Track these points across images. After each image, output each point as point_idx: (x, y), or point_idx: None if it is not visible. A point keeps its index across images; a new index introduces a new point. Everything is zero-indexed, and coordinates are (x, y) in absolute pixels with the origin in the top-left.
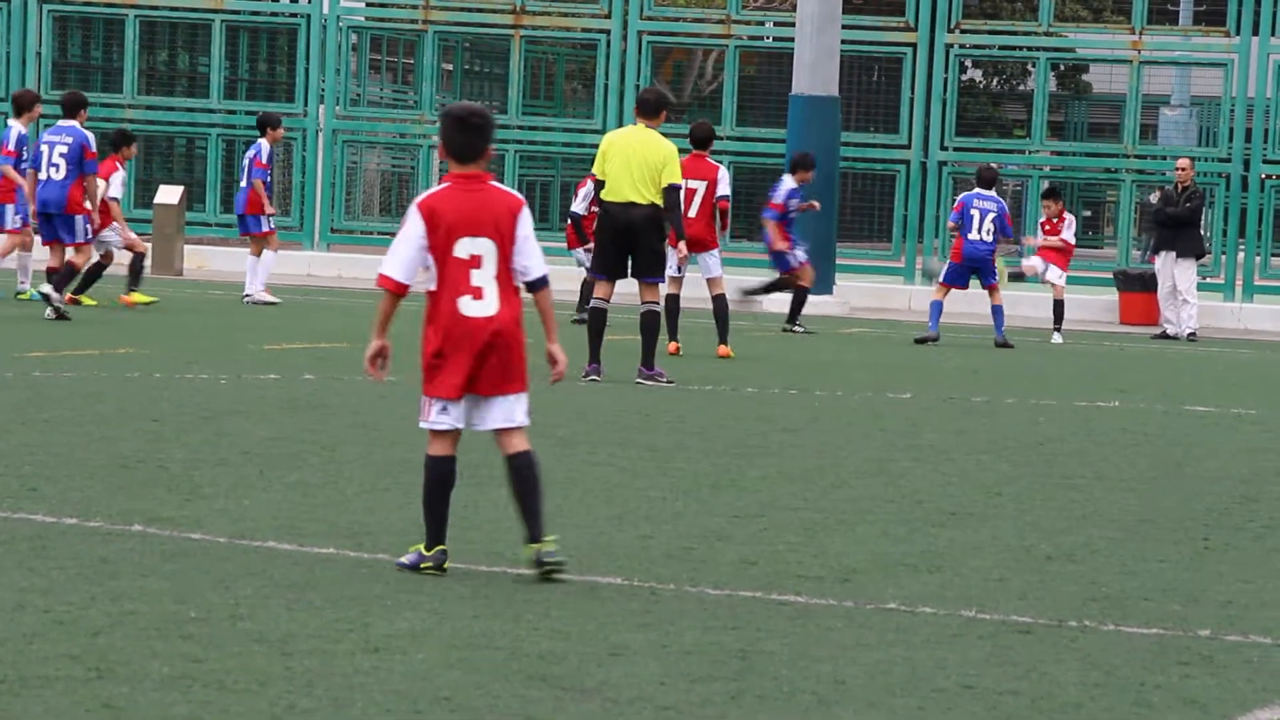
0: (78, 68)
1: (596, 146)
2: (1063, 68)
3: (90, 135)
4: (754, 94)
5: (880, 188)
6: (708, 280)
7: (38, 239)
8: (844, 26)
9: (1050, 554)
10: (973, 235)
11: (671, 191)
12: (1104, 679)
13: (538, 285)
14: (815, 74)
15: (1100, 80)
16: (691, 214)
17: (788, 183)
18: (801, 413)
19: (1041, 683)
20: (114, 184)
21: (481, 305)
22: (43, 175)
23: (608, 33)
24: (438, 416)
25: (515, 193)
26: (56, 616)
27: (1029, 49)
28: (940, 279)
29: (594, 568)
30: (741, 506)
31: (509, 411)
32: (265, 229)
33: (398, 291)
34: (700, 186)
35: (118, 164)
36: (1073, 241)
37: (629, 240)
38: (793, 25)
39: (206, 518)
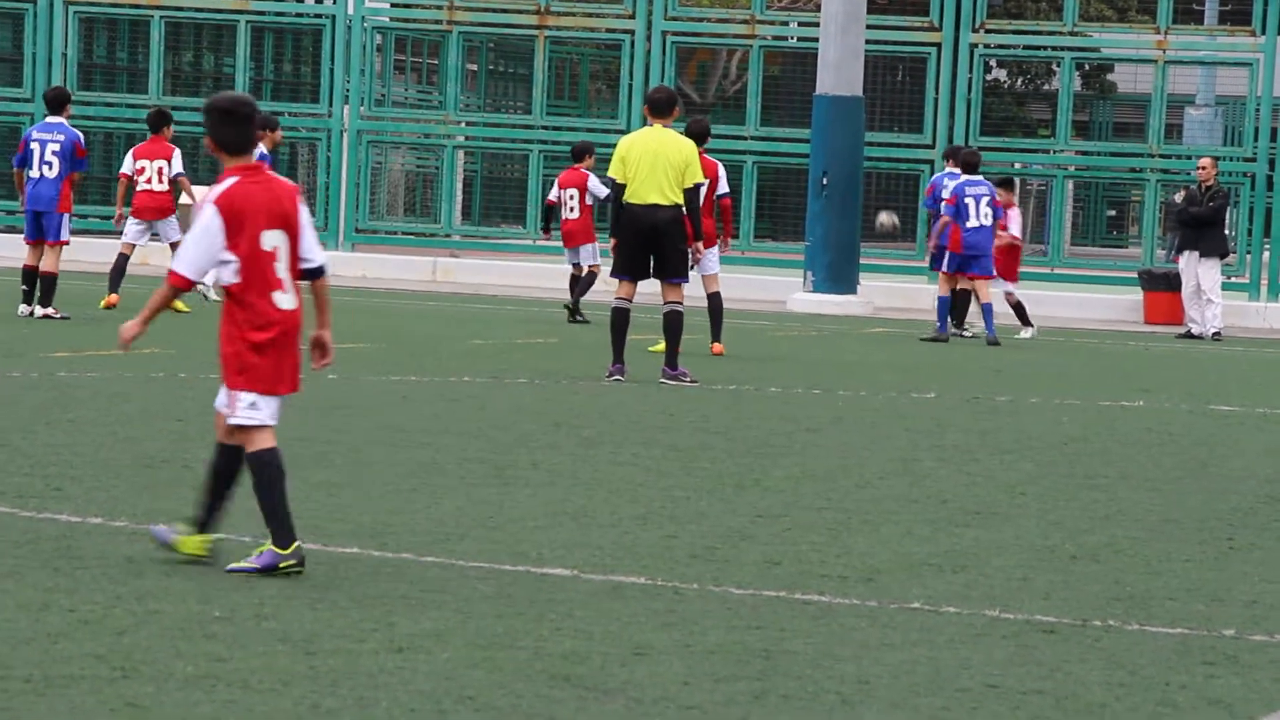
0: (103, 69)
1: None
2: (1087, 67)
3: (80, 133)
4: (778, 94)
5: (904, 187)
6: (704, 277)
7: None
8: (868, 26)
9: (1074, 553)
10: (971, 223)
11: (695, 191)
12: (1128, 679)
13: (321, 272)
14: (840, 74)
15: (1125, 80)
16: None
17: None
18: (825, 412)
19: (1066, 682)
20: (177, 162)
21: (287, 298)
22: (35, 173)
23: (632, 33)
24: (249, 412)
25: (288, 181)
26: (82, 616)
27: (1053, 49)
28: (940, 266)
29: (618, 567)
30: (765, 506)
31: (281, 406)
32: None
33: (185, 288)
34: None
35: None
36: (1019, 237)
37: (654, 242)
38: (817, 25)
39: (231, 518)
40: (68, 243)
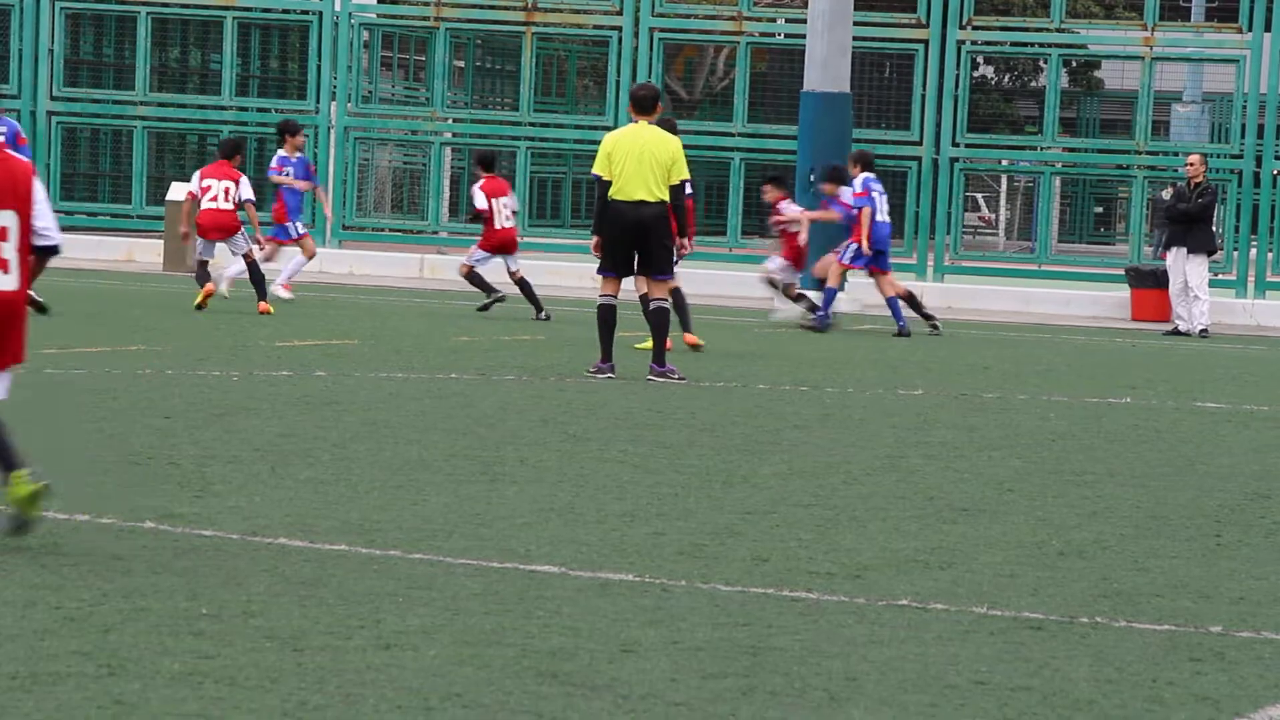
0: (90, 65)
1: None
2: (1075, 64)
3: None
4: (765, 91)
5: (892, 184)
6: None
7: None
8: (855, 23)
9: (1062, 550)
10: (880, 218)
11: (681, 187)
12: (1116, 675)
13: (55, 251)
14: (827, 70)
15: (1112, 76)
16: None
17: None
18: (813, 409)
19: (1053, 679)
20: (245, 187)
21: (8, 279)
22: None
23: (619, 29)
24: None
25: (23, 158)
26: (68, 613)
27: (1041, 45)
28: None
29: (606, 564)
30: (753, 503)
31: (4, 386)
32: (289, 236)
33: None
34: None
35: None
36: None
37: (640, 238)
38: (804, 22)
39: (218, 514)
40: None
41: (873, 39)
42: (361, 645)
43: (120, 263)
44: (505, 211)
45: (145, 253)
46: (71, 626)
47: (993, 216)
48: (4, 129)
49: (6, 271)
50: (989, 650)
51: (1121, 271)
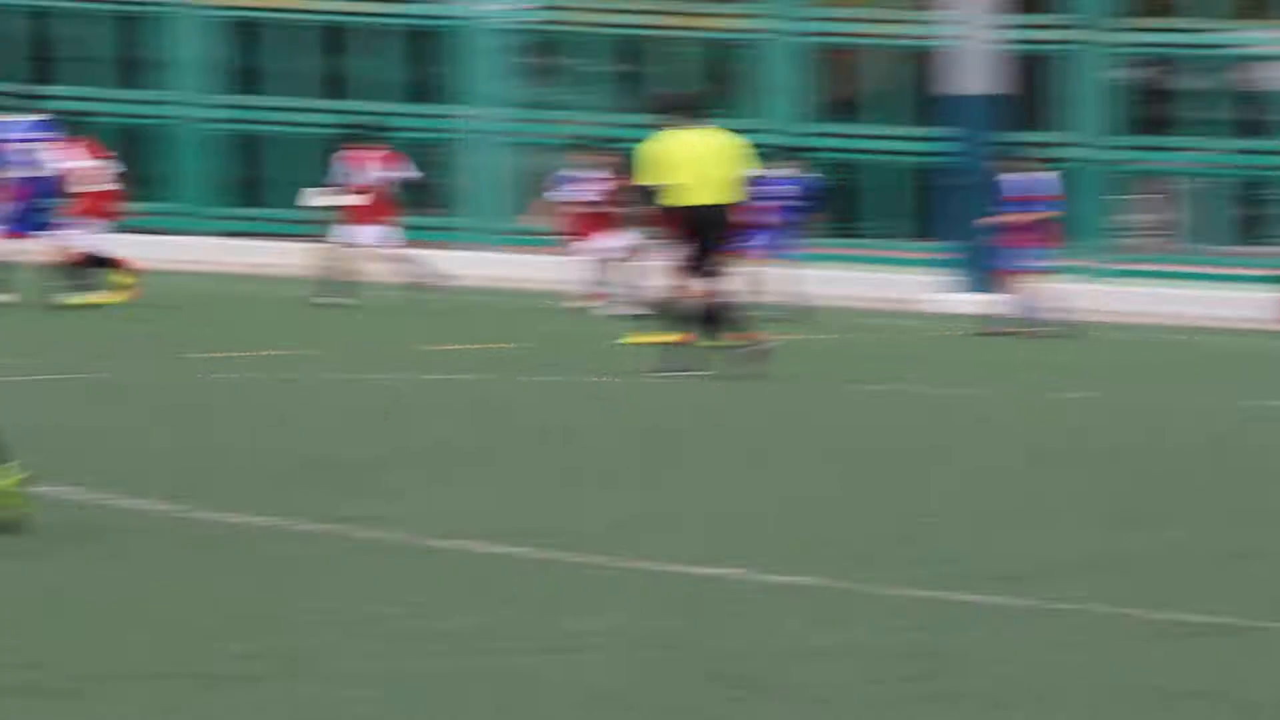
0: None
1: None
2: (1232, 65)
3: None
4: (914, 95)
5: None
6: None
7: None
8: (1007, 25)
9: (1242, 553)
10: None
11: (744, 183)
12: None
13: None
14: (977, 73)
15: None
16: None
17: None
18: (969, 414)
19: (1232, 685)
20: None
21: None
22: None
23: (764, 32)
24: None
25: None
26: (241, 613)
27: (1197, 46)
28: None
29: (784, 567)
30: (928, 506)
31: None
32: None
33: None
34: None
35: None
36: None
37: (710, 236)
38: (954, 25)
39: (392, 517)
40: None
41: (1026, 40)
42: (540, 648)
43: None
44: None
45: (295, 257)
46: (248, 625)
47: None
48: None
49: None
50: (1164, 654)
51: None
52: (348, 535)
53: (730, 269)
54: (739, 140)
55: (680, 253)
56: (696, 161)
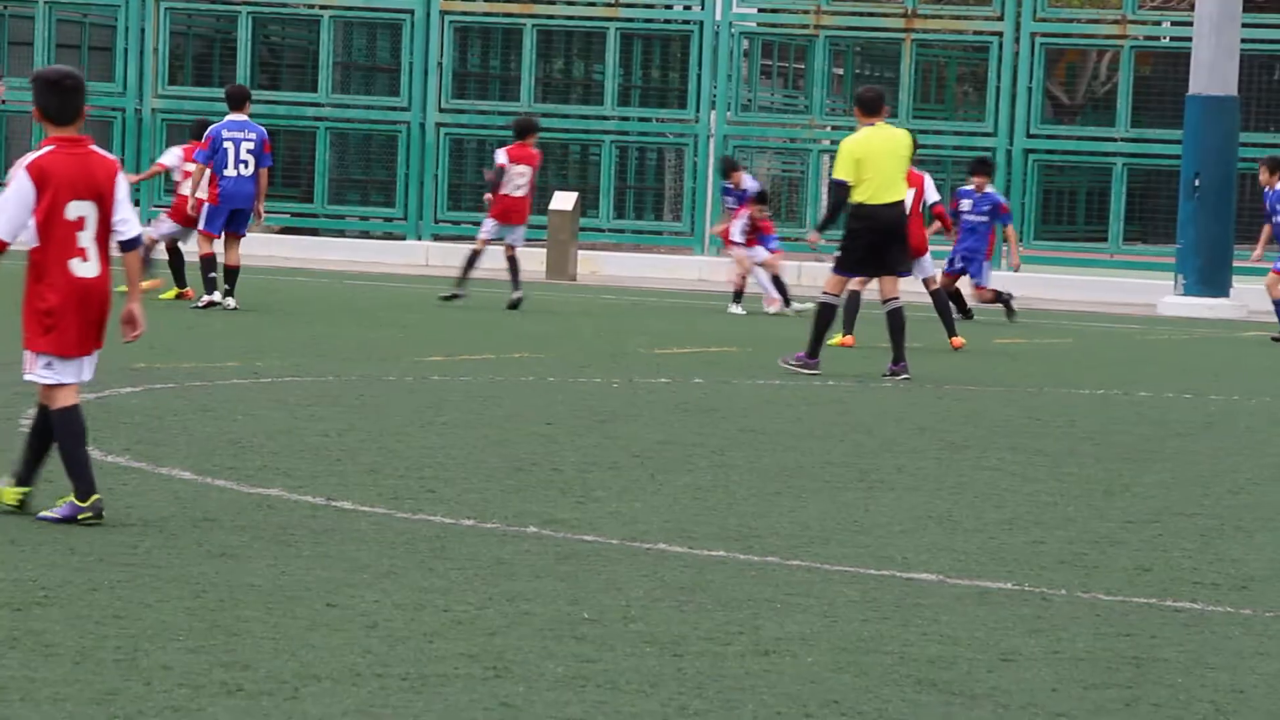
0: (477, 77)
1: (986, 149)
2: None
3: (265, 130)
4: (1149, 95)
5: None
6: (925, 279)
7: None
8: (1244, 25)
9: None
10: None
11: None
12: None
13: (132, 244)
14: (1214, 73)
15: None
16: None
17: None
18: (1197, 417)
19: None
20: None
21: (88, 266)
22: (231, 172)
23: (1000, 35)
24: (44, 371)
25: (111, 155)
26: (455, 616)
27: None
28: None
29: (984, 572)
30: (1135, 512)
31: (94, 366)
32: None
33: (2, 249)
34: (910, 193)
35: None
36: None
37: (890, 238)
38: (1190, 24)
39: (599, 520)
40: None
41: (1262, 41)
42: (740, 651)
43: (501, 271)
44: (520, 180)
45: (528, 261)
46: (458, 629)
47: None
48: (254, 135)
49: (85, 260)
50: None
51: None
52: (555, 538)
53: (910, 271)
54: (912, 139)
55: (856, 253)
56: (879, 159)
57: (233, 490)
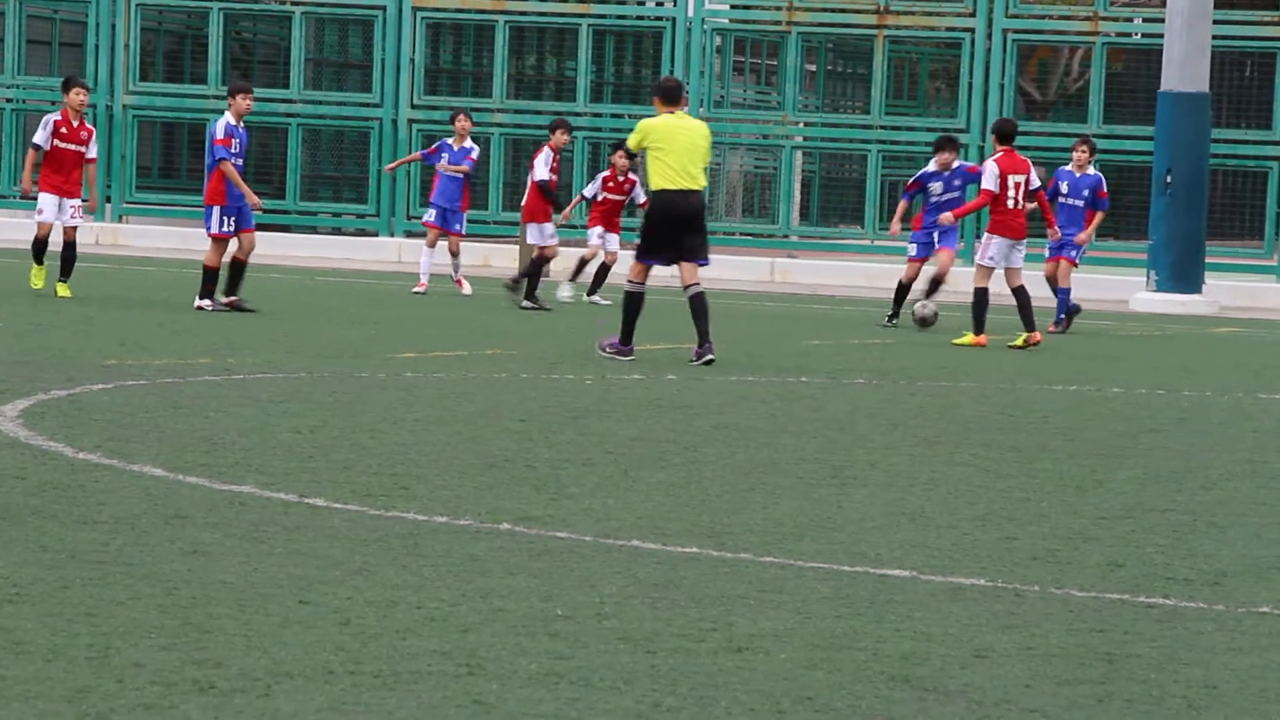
0: (449, 73)
1: (959, 145)
2: None
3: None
4: (1121, 91)
5: (1252, 185)
6: (1008, 270)
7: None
8: (1215, 21)
9: None
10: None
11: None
12: None
13: None
14: (1186, 70)
15: None
16: (1017, 206)
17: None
18: (1170, 413)
19: None
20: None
21: None
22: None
23: (972, 31)
24: None
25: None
26: (428, 613)
27: None
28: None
29: (957, 569)
30: (1108, 508)
31: None
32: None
33: None
34: (1022, 180)
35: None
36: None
37: (688, 225)
38: (1162, 21)
39: (572, 517)
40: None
41: (1233, 37)
42: (713, 648)
43: (477, 267)
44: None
45: (502, 258)
46: (431, 626)
47: None
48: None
49: None
50: None
51: None
52: (528, 535)
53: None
54: (709, 131)
55: (655, 239)
56: (677, 147)
57: (205, 487)
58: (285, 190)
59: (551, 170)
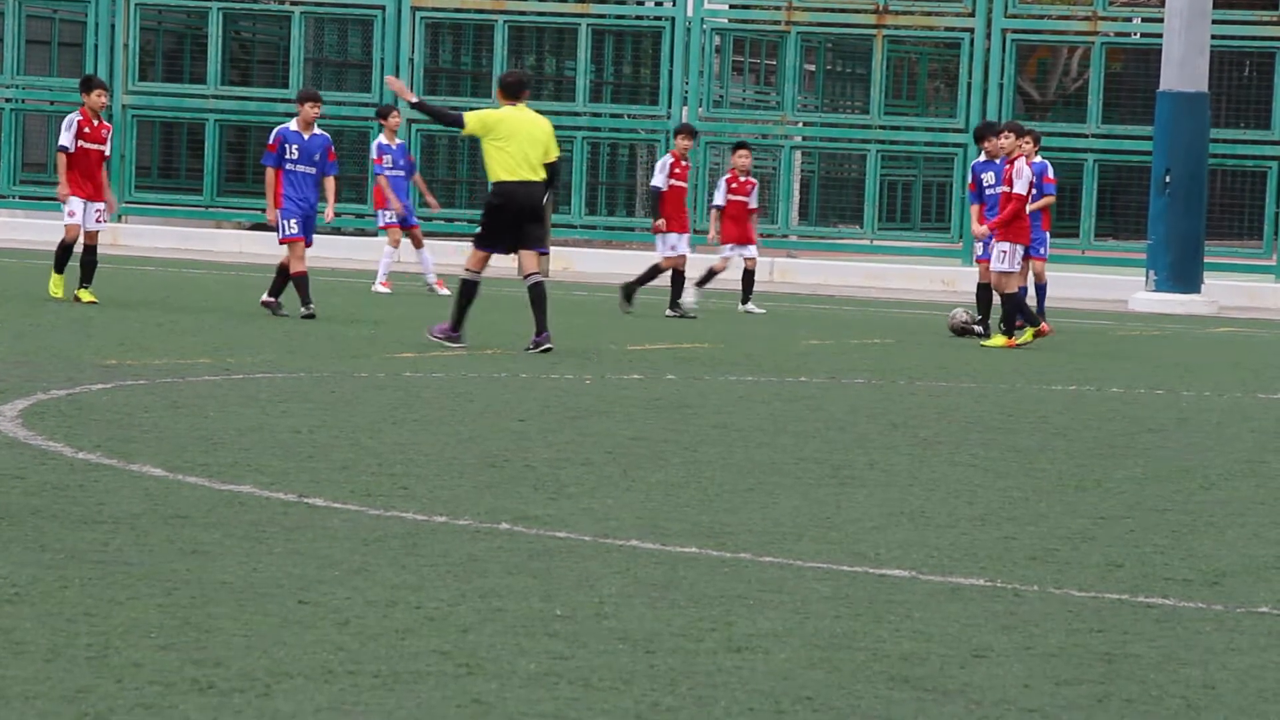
0: (448, 73)
1: (959, 145)
2: None
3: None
4: (1120, 91)
5: (1251, 185)
6: (1034, 261)
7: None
8: (1214, 21)
9: None
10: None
11: (556, 166)
12: None
13: None
14: (1184, 70)
15: None
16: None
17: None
18: (1169, 413)
19: None
20: None
21: None
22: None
23: (971, 31)
24: None
25: None
26: (427, 613)
27: None
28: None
29: (957, 569)
30: (1107, 508)
31: None
32: (381, 223)
33: None
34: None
35: None
36: (754, 205)
37: (532, 217)
38: (1161, 21)
39: (571, 516)
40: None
41: (1232, 37)
42: (712, 648)
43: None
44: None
45: (501, 257)
46: (431, 626)
47: None
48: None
49: None
50: None
51: None
52: (527, 534)
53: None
54: (550, 127)
55: (494, 229)
56: (517, 138)
57: (204, 487)
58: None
59: (675, 177)
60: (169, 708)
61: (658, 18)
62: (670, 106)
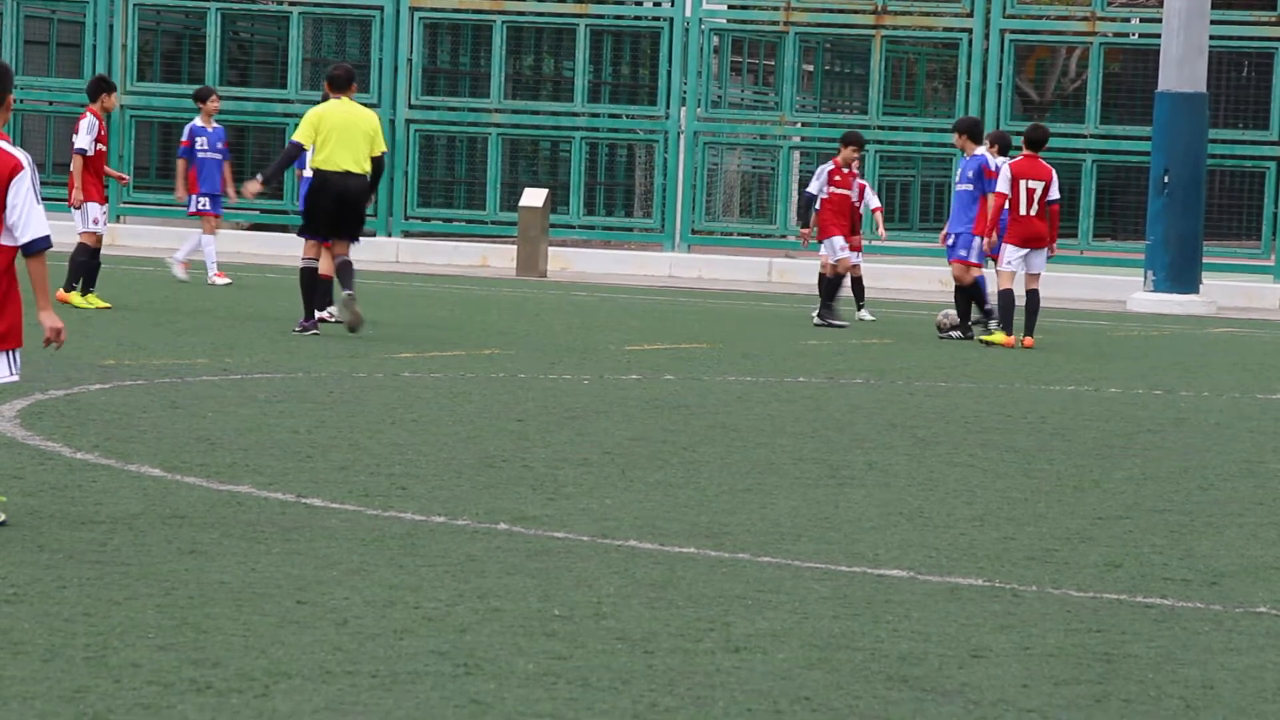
0: (446, 74)
1: (955, 146)
2: None
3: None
4: (1119, 91)
5: (1249, 185)
6: (1027, 275)
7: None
8: (1212, 21)
9: None
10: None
11: (381, 161)
12: None
13: (31, 249)
14: (1183, 70)
15: None
16: (1032, 212)
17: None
18: (1167, 413)
19: None
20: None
21: None
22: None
23: (970, 31)
24: None
25: (18, 152)
26: (425, 613)
27: None
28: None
29: (955, 569)
30: (1105, 508)
31: (5, 366)
32: (192, 209)
33: None
34: (1038, 186)
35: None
36: (876, 204)
37: (349, 207)
38: (1159, 21)
39: (570, 517)
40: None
41: (1230, 37)
42: (711, 648)
43: (475, 267)
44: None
45: (499, 258)
46: (429, 626)
47: None
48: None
49: None
50: None
51: None
52: (526, 535)
53: None
54: (377, 120)
55: (314, 216)
56: (338, 129)
57: (202, 487)
58: (282, 190)
59: (835, 185)
60: (167, 708)
61: (656, 18)
62: (668, 107)
